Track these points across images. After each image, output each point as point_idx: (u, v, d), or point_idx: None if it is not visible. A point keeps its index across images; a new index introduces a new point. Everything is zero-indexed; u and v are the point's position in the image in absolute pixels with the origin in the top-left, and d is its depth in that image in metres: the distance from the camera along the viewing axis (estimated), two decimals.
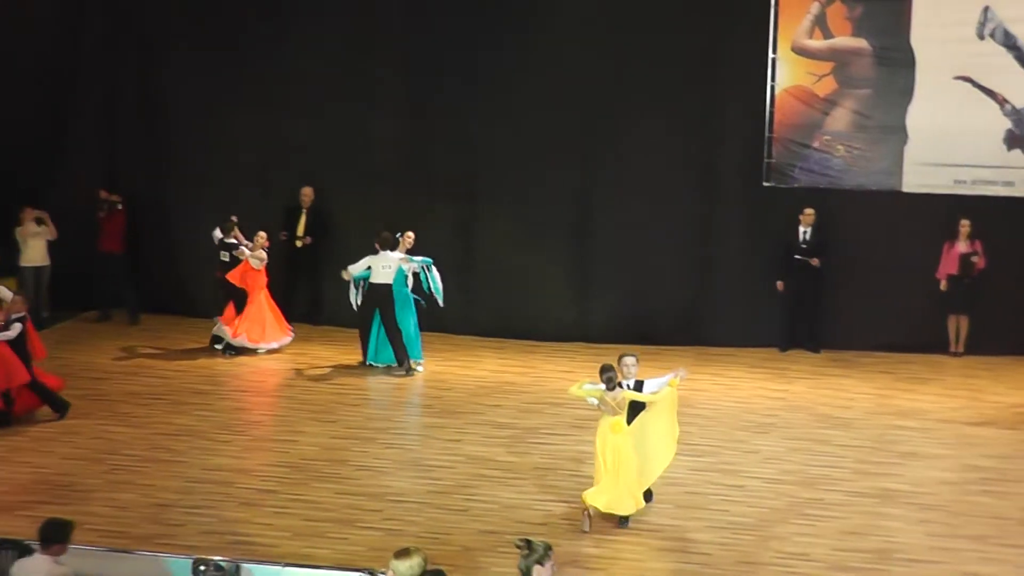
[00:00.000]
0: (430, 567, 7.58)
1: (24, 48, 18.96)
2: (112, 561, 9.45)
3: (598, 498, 11.56)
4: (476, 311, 18.44)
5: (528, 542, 7.63)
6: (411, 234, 16.95)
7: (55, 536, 8.46)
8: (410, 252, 16.87)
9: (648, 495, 11.93)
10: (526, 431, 14.37)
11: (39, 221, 18.40)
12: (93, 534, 11.10)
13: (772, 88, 17.73)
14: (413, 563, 7.69)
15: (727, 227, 18.08)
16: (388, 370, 16.77)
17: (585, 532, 11.49)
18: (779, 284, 17.71)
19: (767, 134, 17.79)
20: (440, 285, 16.81)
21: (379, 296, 16.73)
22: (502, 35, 18.05)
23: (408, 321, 16.80)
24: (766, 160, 17.85)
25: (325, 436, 14.20)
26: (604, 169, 18.11)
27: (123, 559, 9.55)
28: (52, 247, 18.57)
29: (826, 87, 17.79)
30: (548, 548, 7.57)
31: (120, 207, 18.93)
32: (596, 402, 11.68)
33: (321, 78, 18.54)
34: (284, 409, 15.23)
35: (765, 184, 17.93)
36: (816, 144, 17.83)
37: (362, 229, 18.13)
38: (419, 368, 16.86)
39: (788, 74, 17.76)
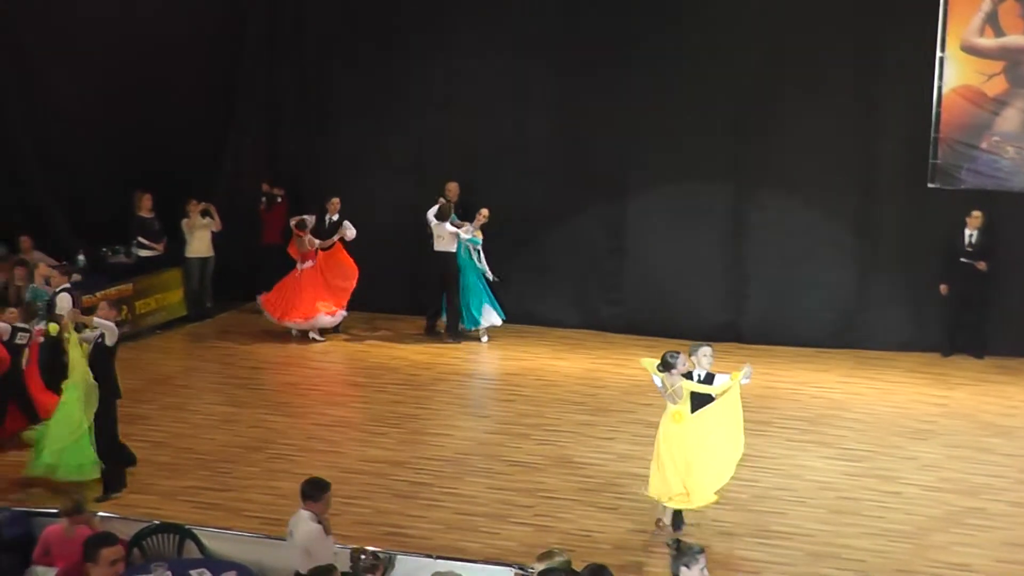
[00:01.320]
0: (593, 564, 7.60)
1: (191, 45, 19.43)
2: (269, 548, 9.64)
3: (652, 487, 11.46)
4: (629, 309, 18.37)
5: (678, 543, 7.59)
6: (485, 211, 17.73)
7: (310, 493, 9.11)
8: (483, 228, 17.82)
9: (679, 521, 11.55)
10: None
11: (205, 213, 18.85)
12: (252, 520, 11.38)
13: (939, 88, 17.27)
14: (555, 564, 7.74)
15: (889, 228, 17.68)
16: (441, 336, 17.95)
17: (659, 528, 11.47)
18: (943, 288, 17.27)
19: (933, 134, 17.32)
20: (484, 266, 17.83)
21: (441, 263, 17.73)
22: (658, 32, 17.91)
23: (467, 289, 17.72)
24: (931, 161, 17.39)
25: (478, 431, 14.31)
26: (762, 167, 17.84)
27: (279, 546, 9.73)
28: (216, 239, 19.03)
29: (996, 87, 17.28)
30: (700, 550, 7.51)
31: (280, 200, 19.34)
32: (660, 385, 11.41)
33: (475, 75, 18.70)
34: (438, 403, 15.36)
35: (930, 185, 17.47)
36: (984, 145, 17.33)
37: (515, 225, 18.33)
38: (483, 339, 17.78)
39: (956, 73, 17.28)
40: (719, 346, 17.42)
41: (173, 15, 19.13)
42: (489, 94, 18.68)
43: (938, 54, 17.20)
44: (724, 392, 11.31)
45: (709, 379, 11.44)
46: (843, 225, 17.75)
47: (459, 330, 17.85)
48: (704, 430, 11.31)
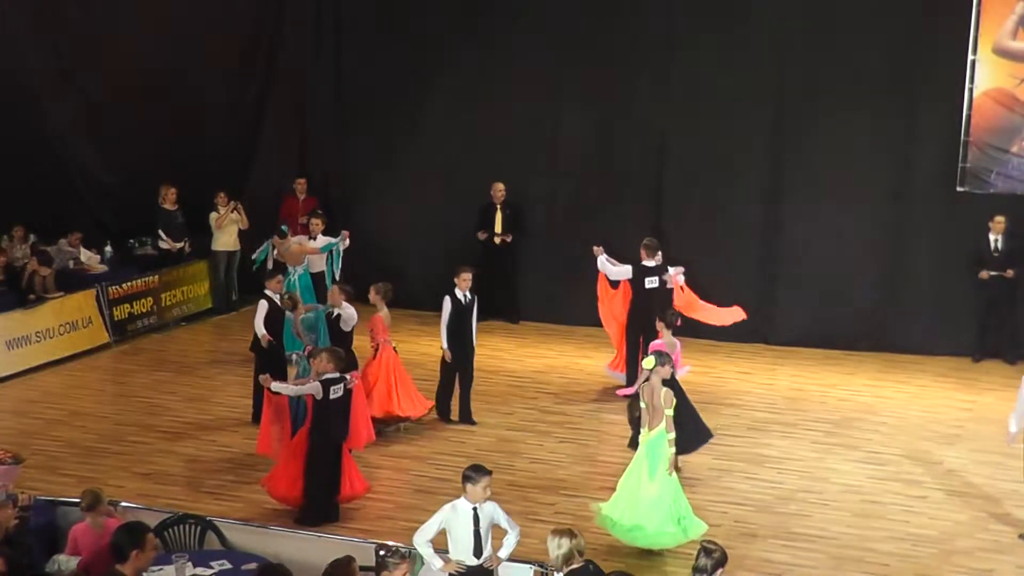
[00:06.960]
0: (617, 571, 7.64)
1: (225, 40, 19.53)
2: (289, 541, 9.65)
3: None
4: None
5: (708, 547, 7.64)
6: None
7: None
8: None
9: None
10: None
11: (234, 210, 18.82)
12: (272, 513, 11.37)
13: (970, 91, 17.10)
14: (562, 542, 7.84)
15: (919, 231, 17.51)
16: None
17: None
18: (983, 274, 16.91)
19: (963, 138, 17.16)
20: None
21: None
22: (696, 33, 17.87)
23: None
24: (961, 164, 17.24)
25: (501, 428, 14.27)
26: (794, 169, 17.73)
27: (299, 539, 9.74)
28: (242, 233, 19.02)
29: None
30: (723, 556, 7.59)
31: (302, 193, 19.32)
32: None
33: (508, 71, 18.70)
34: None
35: (959, 189, 17.32)
36: (1015, 149, 17.17)
37: (545, 223, 18.35)
38: None
39: (988, 76, 17.11)
40: (746, 347, 17.56)
41: (208, 10, 19.17)
42: (522, 90, 18.65)
43: (969, 57, 17.03)
44: None
45: None
46: (873, 228, 17.61)
47: None
48: None
